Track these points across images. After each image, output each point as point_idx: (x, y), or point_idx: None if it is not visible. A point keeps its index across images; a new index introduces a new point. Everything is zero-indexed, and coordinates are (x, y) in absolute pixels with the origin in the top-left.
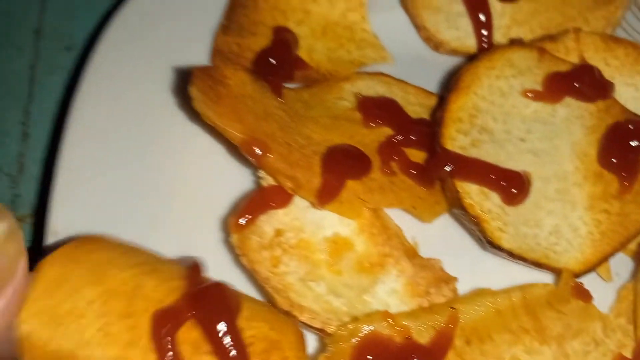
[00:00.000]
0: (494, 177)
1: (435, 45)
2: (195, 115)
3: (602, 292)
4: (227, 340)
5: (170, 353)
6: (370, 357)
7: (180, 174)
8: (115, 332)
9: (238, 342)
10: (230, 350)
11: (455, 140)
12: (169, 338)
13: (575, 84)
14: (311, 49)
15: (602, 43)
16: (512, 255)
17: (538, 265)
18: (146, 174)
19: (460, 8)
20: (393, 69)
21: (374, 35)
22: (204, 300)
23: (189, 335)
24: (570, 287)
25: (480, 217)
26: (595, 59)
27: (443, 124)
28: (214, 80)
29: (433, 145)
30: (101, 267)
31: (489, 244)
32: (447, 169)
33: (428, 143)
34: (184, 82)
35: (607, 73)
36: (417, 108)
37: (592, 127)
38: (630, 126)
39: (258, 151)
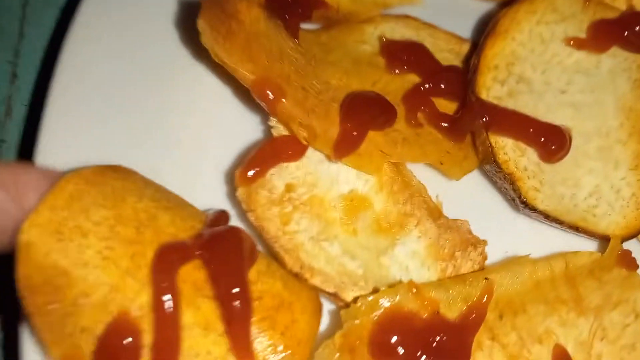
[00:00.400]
0: (532, 131)
1: None
2: (202, 53)
3: None
4: (231, 286)
5: (166, 287)
6: (393, 336)
7: (183, 119)
8: (115, 257)
9: (242, 290)
10: (232, 297)
11: (491, 89)
12: (169, 272)
13: (623, 32)
14: None
15: None
16: (548, 217)
17: (575, 228)
18: (144, 119)
19: None
20: (421, 12)
21: None
22: (216, 242)
23: (192, 274)
24: (617, 254)
25: (515, 174)
26: None
27: (478, 71)
28: (225, 13)
29: (466, 94)
30: (118, 193)
31: (523, 204)
32: (482, 120)
33: (459, 92)
34: (191, 14)
35: None
36: (447, 55)
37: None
38: None
39: (271, 95)
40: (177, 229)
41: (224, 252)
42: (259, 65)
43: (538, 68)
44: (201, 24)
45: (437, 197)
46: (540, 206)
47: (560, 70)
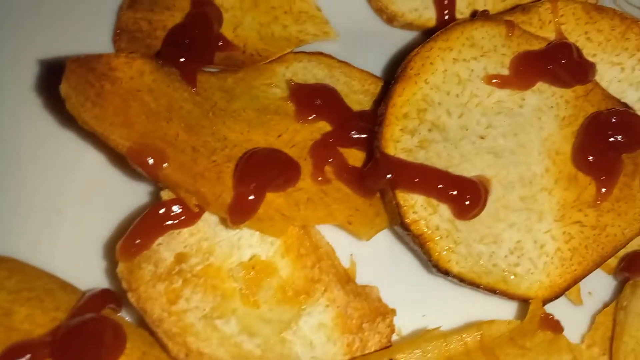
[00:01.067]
0: (442, 186)
1: (389, 18)
2: (70, 119)
3: (572, 316)
4: None
5: None
6: None
7: (55, 189)
8: None
9: None
10: None
11: (400, 141)
12: None
13: (549, 65)
14: (238, 23)
15: (584, 13)
16: (463, 280)
17: (493, 291)
18: (11, 192)
19: None
20: (338, 48)
21: (315, 6)
22: (70, 339)
23: None
24: (538, 319)
25: (426, 235)
26: (575, 33)
27: (385, 122)
28: (95, 74)
29: (372, 147)
30: None
31: (435, 267)
32: (386, 178)
33: (371, 142)
34: (55, 77)
35: (589, 50)
36: (361, 97)
37: (568, 117)
38: (612, 118)
39: (151, 160)
40: (32, 325)
41: (77, 349)
42: (136, 130)
43: (454, 112)
44: (65, 89)
45: (351, 256)
46: (455, 268)
47: (480, 112)
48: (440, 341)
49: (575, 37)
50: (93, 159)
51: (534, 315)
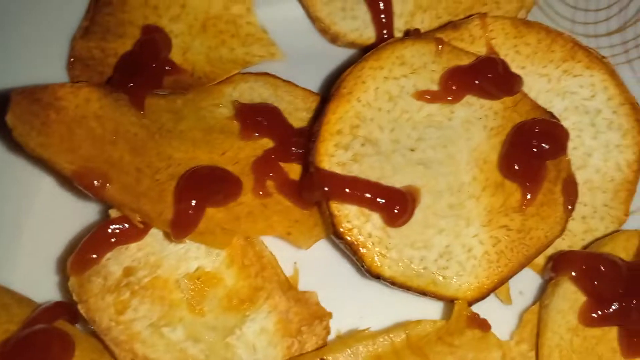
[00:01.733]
0: (371, 195)
1: (332, 38)
2: (19, 146)
3: (503, 315)
4: None
5: None
6: None
7: (9, 210)
8: None
9: None
10: None
11: (334, 156)
12: None
13: (476, 79)
14: (187, 48)
15: (512, 28)
16: (394, 283)
17: (424, 293)
18: None
19: None
20: (283, 67)
21: (262, 29)
22: (19, 349)
23: None
24: (465, 318)
25: (358, 242)
26: (504, 47)
27: (319, 139)
28: (40, 104)
29: (307, 163)
30: None
31: (368, 272)
32: (320, 191)
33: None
34: (1, 108)
35: (518, 63)
36: (304, 114)
37: (496, 128)
38: (535, 127)
39: (95, 182)
40: None
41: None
42: (80, 154)
43: (386, 127)
44: (11, 120)
45: (295, 264)
46: (387, 273)
47: (410, 127)
48: (369, 341)
49: (505, 50)
50: (46, 182)
51: (460, 315)
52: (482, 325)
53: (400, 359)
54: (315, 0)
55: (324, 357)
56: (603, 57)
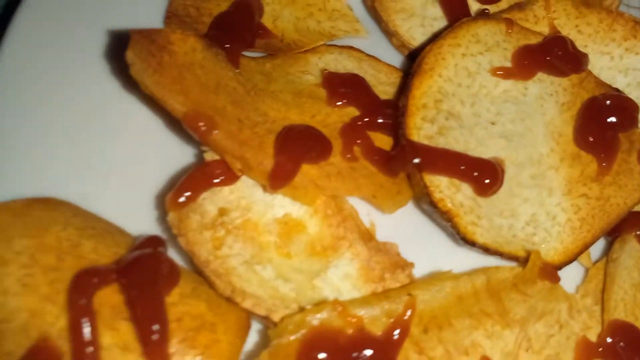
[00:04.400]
0: (464, 167)
1: (411, 53)
2: (132, 84)
3: (570, 271)
4: (146, 308)
5: (82, 309)
6: (319, 352)
7: (116, 145)
8: (35, 284)
9: (157, 312)
10: (146, 320)
11: (421, 129)
12: (85, 295)
13: (546, 57)
14: (277, 16)
15: (574, 9)
16: (488, 250)
17: (515, 258)
18: (75, 150)
19: (436, 11)
20: (366, 44)
21: (347, 6)
22: (132, 267)
23: (111, 298)
24: (538, 268)
25: (452, 211)
26: (567, 27)
27: (407, 113)
28: (156, 45)
29: (398, 134)
30: (42, 223)
31: (463, 239)
32: (414, 162)
33: (395, 128)
34: (121, 46)
35: (580, 42)
36: (388, 88)
37: (567, 103)
38: (606, 102)
39: (202, 126)
40: (98, 256)
41: (139, 275)
42: (191, 97)
43: (467, 102)
44: (130, 57)
45: (370, 219)
46: (480, 240)
47: (489, 101)
48: (452, 281)
49: (567, 30)
50: (150, 121)
51: (534, 265)
52: (552, 276)
53: (479, 301)
54: (394, 17)
55: (411, 292)
56: None
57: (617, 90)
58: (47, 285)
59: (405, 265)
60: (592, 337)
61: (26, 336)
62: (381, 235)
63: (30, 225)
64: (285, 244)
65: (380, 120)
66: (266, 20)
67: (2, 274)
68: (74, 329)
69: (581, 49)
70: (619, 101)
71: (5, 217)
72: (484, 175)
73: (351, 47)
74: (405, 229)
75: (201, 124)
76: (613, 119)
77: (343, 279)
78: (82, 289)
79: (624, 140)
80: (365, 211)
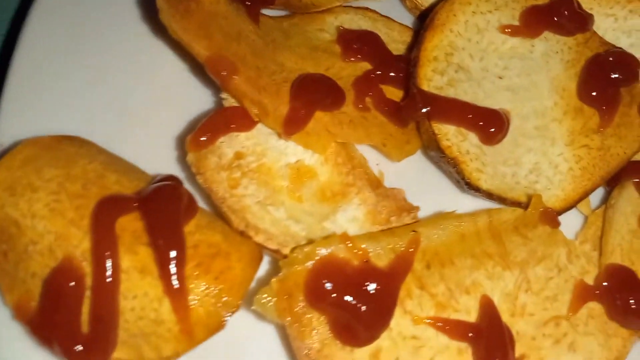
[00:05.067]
0: (471, 116)
1: (421, 14)
2: (160, 29)
3: (570, 217)
4: (165, 233)
5: (104, 233)
6: (326, 281)
7: (138, 87)
8: (61, 209)
9: (176, 237)
10: (165, 243)
11: (432, 80)
12: (108, 220)
13: (553, 17)
14: None
15: None
16: (491, 195)
17: (518, 204)
18: (101, 92)
19: None
20: (380, 6)
21: None
22: (153, 196)
23: (132, 224)
24: (539, 212)
25: (458, 158)
26: None
27: (419, 64)
28: None
29: (409, 85)
30: (71, 157)
31: (467, 185)
32: (423, 110)
33: (406, 81)
34: None
35: (586, 4)
36: (400, 46)
37: (571, 61)
38: (609, 58)
39: (224, 71)
40: (121, 187)
41: (159, 203)
42: (214, 43)
43: (476, 56)
44: (160, 2)
45: (377, 166)
46: (484, 186)
47: (497, 56)
48: (455, 219)
49: None
50: (173, 66)
51: (535, 208)
52: (553, 221)
53: (481, 241)
54: None
55: (415, 229)
56: None
57: (620, 49)
58: (73, 211)
59: (411, 209)
60: (590, 281)
61: (52, 257)
62: (389, 183)
63: (59, 157)
64: (297, 189)
65: (392, 74)
66: None
67: (32, 199)
68: (96, 251)
69: (587, 10)
70: (620, 57)
71: (36, 149)
72: (490, 124)
73: (366, 8)
74: (412, 176)
75: (223, 68)
76: (615, 75)
77: (351, 222)
78: (104, 214)
79: (625, 94)
80: (374, 160)
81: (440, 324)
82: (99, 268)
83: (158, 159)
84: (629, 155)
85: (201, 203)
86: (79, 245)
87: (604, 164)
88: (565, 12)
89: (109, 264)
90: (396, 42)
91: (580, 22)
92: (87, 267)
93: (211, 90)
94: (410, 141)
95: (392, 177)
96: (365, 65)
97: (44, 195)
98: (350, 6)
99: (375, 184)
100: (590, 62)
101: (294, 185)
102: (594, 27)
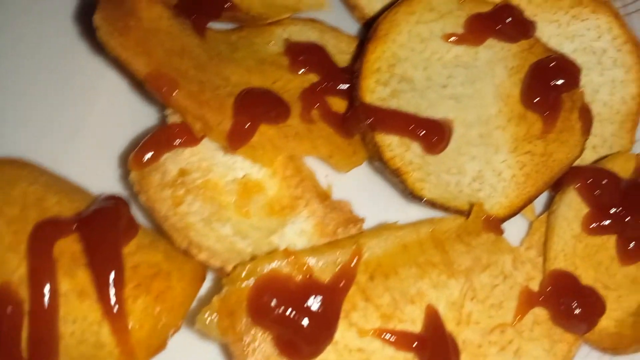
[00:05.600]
0: (413, 126)
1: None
2: (100, 46)
3: (514, 224)
4: (102, 254)
5: (41, 257)
6: (269, 298)
7: (81, 107)
8: None
9: (113, 258)
10: (102, 265)
11: (375, 92)
12: (44, 244)
13: (497, 24)
14: None
15: None
16: (435, 205)
17: (461, 212)
18: (43, 111)
19: None
20: (329, 17)
21: None
22: (92, 217)
23: (70, 247)
24: (481, 220)
25: (401, 168)
26: None
27: (361, 76)
28: (123, 10)
29: (353, 97)
30: (10, 180)
31: (411, 195)
32: (367, 122)
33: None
34: (89, 9)
35: (530, 11)
36: (348, 57)
37: (515, 67)
38: (550, 64)
39: (164, 87)
40: (62, 208)
41: (97, 225)
42: (154, 59)
43: (419, 66)
44: (97, 20)
45: (326, 176)
46: (427, 195)
47: (441, 66)
48: (397, 229)
49: (517, 0)
50: (115, 84)
51: (477, 216)
52: (496, 228)
53: (424, 251)
54: None
55: (358, 241)
56: (607, 0)
57: (562, 55)
58: (10, 235)
59: (357, 221)
60: (536, 287)
61: None
62: (337, 194)
63: None
64: (244, 204)
65: (338, 86)
66: None
67: None
68: (32, 276)
69: (531, 17)
70: (561, 63)
71: None
72: (432, 133)
73: (314, 20)
74: (359, 187)
75: (163, 84)
76: (556, 80)
77: (299, 235)
78: (41, 238)
79: (566, 100)
80: (323, 172)
81: (385, 335)
82: (37, 293)
83: (102, 178)
84: (571, 160)
85: (146, 221)
86: (16, 270)
87: (547, 169)
88: (509, 19)
89: (46, 288)
90: (344, 53)
91: (524, 28)
92: (24, 292)
93: (154, 106)
94: (356, 152)
95: (339, 189)
96: (313, 78)
97: None
98: (299, 18)
99: (323, 196)
100: (532, 68)
101: (241, 200)
102: (539, 33)
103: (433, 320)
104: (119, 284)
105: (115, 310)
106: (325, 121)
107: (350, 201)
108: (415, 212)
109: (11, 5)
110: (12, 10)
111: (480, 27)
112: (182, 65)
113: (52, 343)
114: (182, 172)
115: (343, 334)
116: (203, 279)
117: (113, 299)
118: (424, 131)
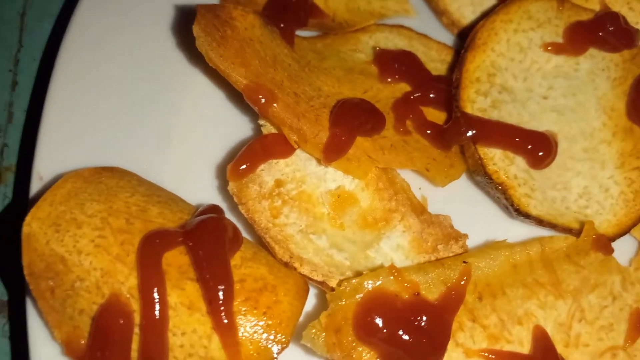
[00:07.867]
0: (518, 140)
1: (460, 32)
2: (196, 57)
3: (623, 244)
4: (211, 268)
5: (151, 269)
6: (376, 316)
7: (177, 117)
8: (106, 245)
9: (222, 272)
10: (212, 279)
11: (475, 102)
12: (154, 256)
13: (598, 33)
14: None
15: None
16: (542, 222)
17: (569, 230)
18: (140, 121)
19: None
20: (415, 23)
21: None
22: (198, 229)
23: (178, 259)
24: (591, 239)
25: (506, 183)
26: (617, 4)
27: (461, 86)
28: (220, 20)
29: (452, 108)
30: (111, 190)
31: (517, 211)
32: (469, 134)
33: (447, 102)
34: (187, 20)
35: (632, 19)
36: (438, 65)
37: (619, 78)
38: None
39: (262, 99)
40: (165, 220)
41: (205, 238)
42: (252, 71)
43: (519, 76)
44: (196, 30)
45: (421, 193)
46: (534, 212)
47: (541, 76)
48: (507, 249)
49: (618, 7)
50: (211, 95)
51: (588, 235)
52: (606, 248)
53: (533, 271)
54: None
55: (466, 260)
56: None
57: None
58: (118, 246)
59: (459, 237)
60: None
61: (99, 294)
62: (433, 209)
63: (100, 191)
64: (338, 216)
65: (432, 95)
66: (318, 1)
67: (77, 235)
68: (144, 288)
69: (633, 25)
70: None
71: (77, 183)
72: (538, 147)
73: (401, 26)
74: (458, 201)
75: (261, 96)
76: None
77: (395, 250)
78: (151, 250)
79: None
80: (417, 185)
81: (493, 356)
82: (148, 305)
83: (199, 189)
84: None
85: (243, 233)
86: (126, 281)
87: None
88: (611, 28)
89: (157, 300)
90: (434, 61)
91: (627, 37)
92: (134, 304)
93: (249, 117)
94: (454, 165)
95: (436, 203)
96: (404, 86)
97: (89, 230)
98: (385, 24)
99: (420, 210)
100: (638, 80)
101: (335, 212)
102: None
103: (543, 341)
104: (229, 297)
105: (225, 323)
106: (420, 132)
107: (450, 216)
108: (516, 229)
109: (110, 17)
110: (111, 22)
111: (581, 36)
112: (277, 76)
113: (162, 355)
114: (278, 183)
115: (449, 354)
116: (307, 292)
117: (223, 313)
118: (531, 145)
